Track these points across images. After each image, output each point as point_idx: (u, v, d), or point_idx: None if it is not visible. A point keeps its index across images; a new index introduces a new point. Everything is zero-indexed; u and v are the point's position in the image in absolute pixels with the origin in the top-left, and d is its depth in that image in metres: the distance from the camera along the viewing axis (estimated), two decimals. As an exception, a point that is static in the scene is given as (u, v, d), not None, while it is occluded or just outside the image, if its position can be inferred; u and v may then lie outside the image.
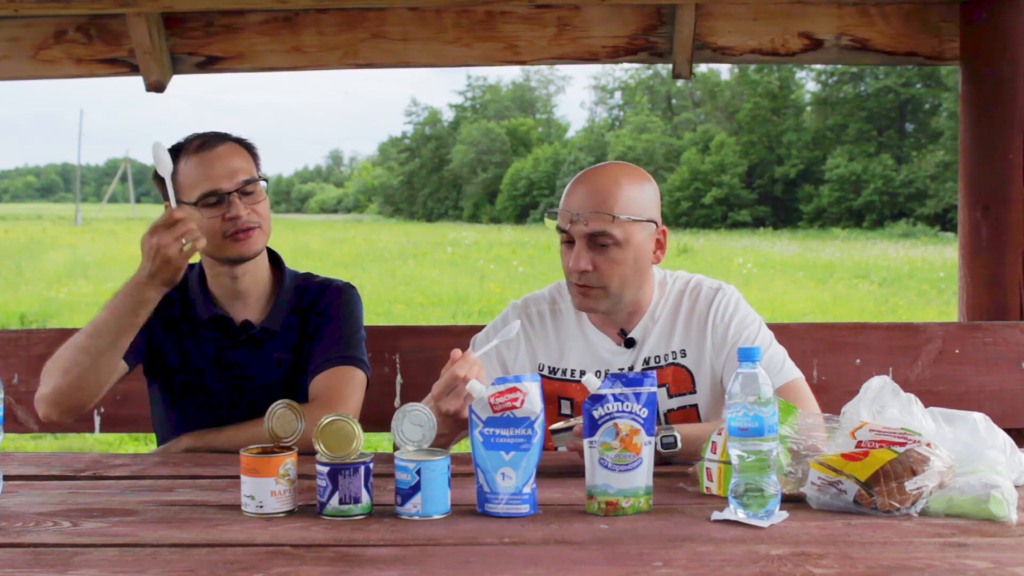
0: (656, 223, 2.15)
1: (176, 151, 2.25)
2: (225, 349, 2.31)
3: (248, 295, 2.33)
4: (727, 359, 2.17)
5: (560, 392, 2.21)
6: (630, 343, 2.21)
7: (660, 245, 2.17)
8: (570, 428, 1.94)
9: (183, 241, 2.03)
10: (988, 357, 2.80)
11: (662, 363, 2.20)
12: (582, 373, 2.19)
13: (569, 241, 2.13)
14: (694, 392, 2.19)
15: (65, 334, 2.71)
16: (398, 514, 1.65)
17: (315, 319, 2.34)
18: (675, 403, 2.19)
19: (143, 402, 2.48)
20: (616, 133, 49.69)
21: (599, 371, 2.18)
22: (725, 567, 1.38)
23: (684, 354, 2.20)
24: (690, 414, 2.19)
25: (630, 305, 2.19)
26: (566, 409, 2.21)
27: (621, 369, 2.19)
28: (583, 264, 2.08)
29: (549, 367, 2.23)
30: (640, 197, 2.12)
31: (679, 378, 2.19)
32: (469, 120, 58.51)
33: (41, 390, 2.17)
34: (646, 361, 2.20)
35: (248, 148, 2.31)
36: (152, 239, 2.03)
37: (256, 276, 2.33)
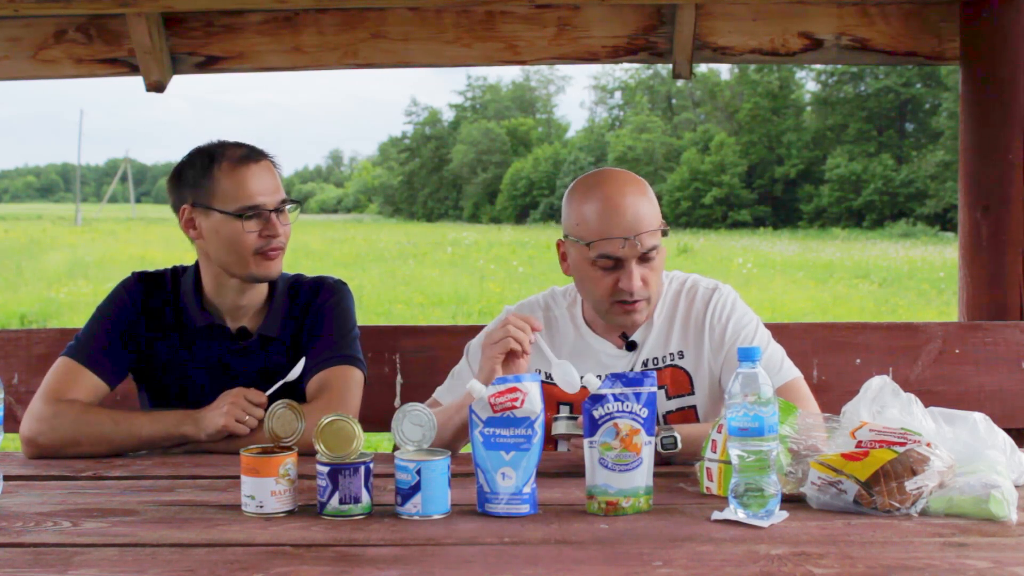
0: None
1: (210, 157, 2.24)
2: (222, 357, 2.31)
3: (248, 308, 2.33)
4: (725, 359, 2.17)
5: (560, 398, 2.20)
6: (631, 346, 2.21)
7: None
8: (573, 418, 1.94)
9: (247, 419, 2.13)
10: (988, 357, 2.80)
11: (660, 365, 2.20)
12: (581, 378, 2.19)
13: (611, 267, 2.09)
14: (692, 393, 2.19)
15: (65, 334, 2.72)
16: (398, 514, 1.65)
17: (310, 319, 2.33)
18: (674, 405, 2.19)
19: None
20: (616, 133, 49.68)
21: (599, 376, 2.18)
22: (725, 567, 1.38)
23: (682, 355, 2.20)
24: (688, 415, 2.19)
25: None
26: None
27: None
28: (638, 282, 2.07)
29: (546, 372, 2.23)
30: (655, 201, 2.14)
31: (677, 380, 2.19)
32: (469, 120, 58.49)
33: (37, 436, 2.15)
34: (644, 364, 2.20)
35: (278, 168, 2.32)
36: (234, 400, 2.13)
37: (260, 291, 2.33)
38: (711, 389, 2.19)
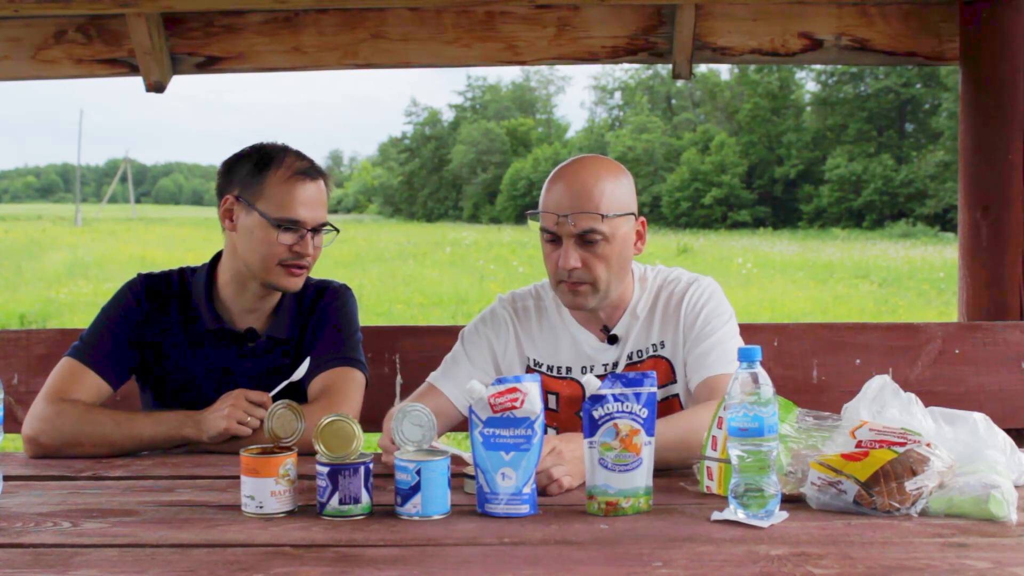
0: (635, 214, 2.16)
1: (270, 157, 2.24)
2: (229, 358, 2.31)
3: (262, 310, 2.34)
4: (689, 343, 2.17)
5: (546, 387, 2.21)
6: (613, 339, 2.21)
7: (640, 236, 2.18)
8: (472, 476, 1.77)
9: (249, 419, 2.12)
10: (988, 357, 2.80)
11: (644, 356, 2.21)
12: (568, 369, 2.21)
13: (553, 240, 2.12)
14: (675, 382, 2.21)
15: (65, 334, 2.73)
16: (398, 514, 1.65)
17: (313, 321, 2.34)
18: (659, 394, 2.19)
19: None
20: (616, 133, 49.70)
21: (584, 367, 2.20)
22: (725, 567, 1.38)
23: (663, 345, 2.21)
24: (673, 404, 2.20)
25: (613, 300, 2.19)
26: (551, 404, 2.22)
27: (606, 365, 2.20)
28: (573, 262, 2.08)
29: (534, 360, 2.24)
30: (621, 191, 2.12)
31: (660, 369, 2.20)
32: (469, 120, 58.48)
33: (39, 435, 2.15)
34: (629, 356, 2.21)
35: (330, 189, 2.32)
36: (235, 401, 2.12)
37: (275, 295, 2.34)
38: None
